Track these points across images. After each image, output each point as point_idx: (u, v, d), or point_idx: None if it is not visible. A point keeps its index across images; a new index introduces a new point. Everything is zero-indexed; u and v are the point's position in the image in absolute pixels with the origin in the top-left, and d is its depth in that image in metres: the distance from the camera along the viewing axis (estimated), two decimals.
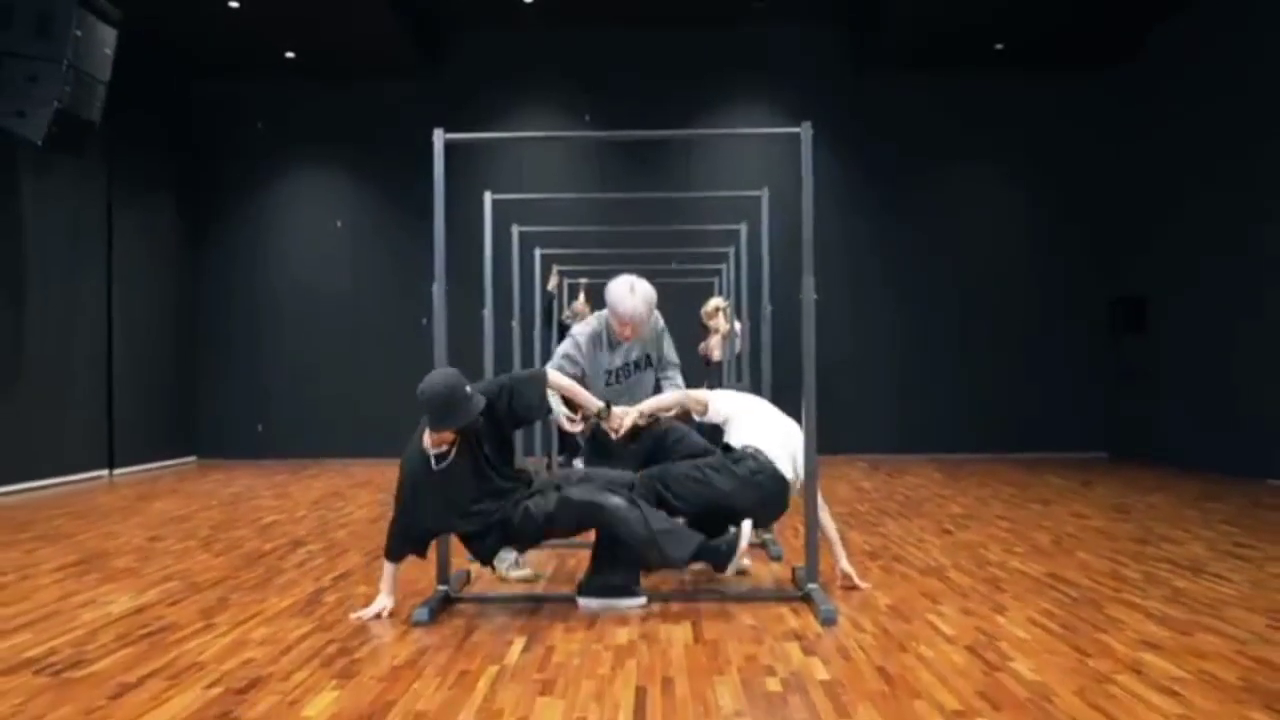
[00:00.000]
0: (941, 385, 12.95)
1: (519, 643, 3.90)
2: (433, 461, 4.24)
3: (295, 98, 13.36)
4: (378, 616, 4.33)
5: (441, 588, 4.59)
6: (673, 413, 5.08)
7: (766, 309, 6.34)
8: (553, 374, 4.67)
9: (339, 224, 13.45)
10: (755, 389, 7.32)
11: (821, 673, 3.47)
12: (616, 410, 4.70)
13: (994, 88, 12.98)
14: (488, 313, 6.25)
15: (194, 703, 3.19)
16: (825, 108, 12.41)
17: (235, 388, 13.32)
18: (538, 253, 9.00)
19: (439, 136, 4.83)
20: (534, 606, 4.50)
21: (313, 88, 13.31)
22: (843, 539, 5.22)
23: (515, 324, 7.71)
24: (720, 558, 4.44)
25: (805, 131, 4.72)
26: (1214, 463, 10.37)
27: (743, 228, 7.51)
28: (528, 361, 9.59)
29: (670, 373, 5.44)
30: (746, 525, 4.45)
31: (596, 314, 5.33)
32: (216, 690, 3.31)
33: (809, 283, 4.63)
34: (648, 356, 5.36)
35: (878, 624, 4.16)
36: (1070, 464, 11.66)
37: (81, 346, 10.91)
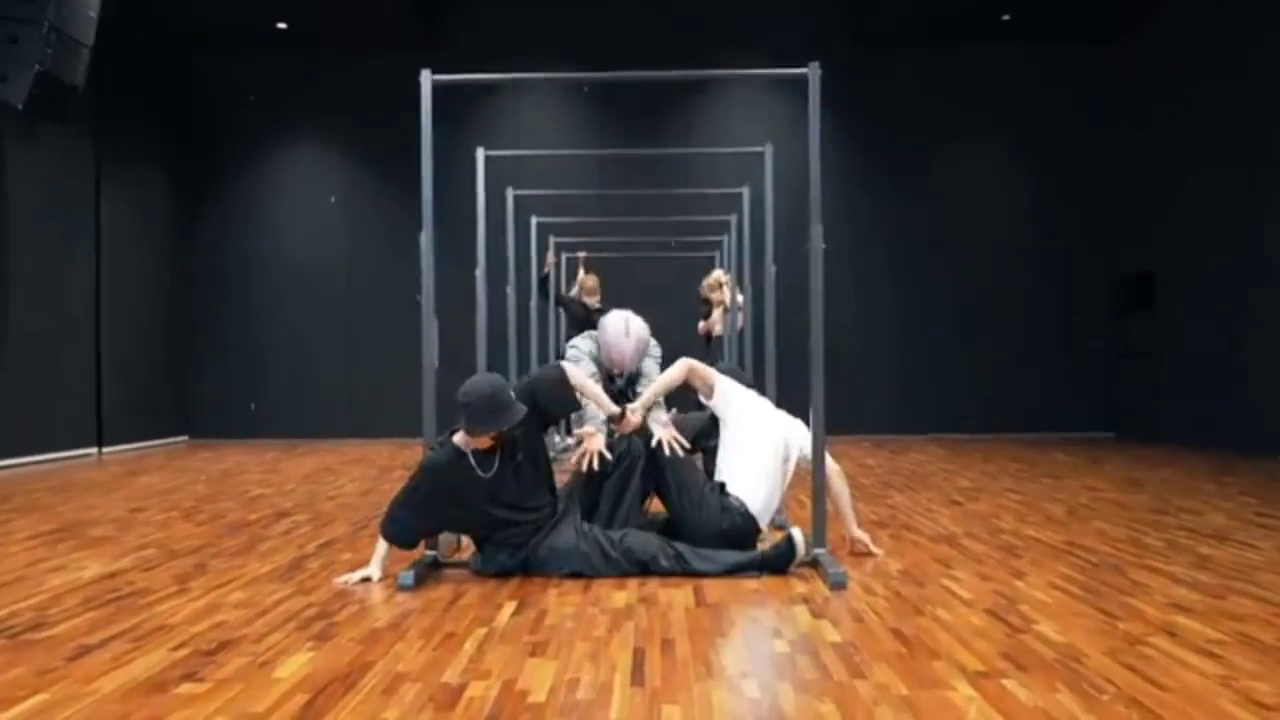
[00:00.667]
0: (942, 365, 12.73)
1: (509, 606, 3.68)
2: (474, 464, 4.05)
3: (289, 70, 13.11)
4: (364, 581, 4.10)
5: (430, 553, 4.36)
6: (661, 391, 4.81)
7: (770, 270, 6.10)
8: (571, 370, 4.44)
9: (333, 199, 13.20)
10: (758, 361, 7.10)
11: (832, 634, 3.24)
12: (630, 411, 4.47)
13: (996, 62, 12.74)
14: (480, 273, 6.02)
15: (158, 664, 2.96)
16: (824, 83, 12.13)
17: (228, 366, 13.09)
18: (533, 220, 8.76)
19: (426, 79, 4.59)
20: (526, 574, 4.27)
21: (307, 60, 13.05)
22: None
23: (510, 289, 7.50)
24: (776, 564, 4.19)
25: (813, 73, 4.50)
26: (1224, 440, 10.14)
27: (744, 191, 7.29)
28: (522, 330, 9.37)
29: (644, 381, 5.43)
30: (798, 533, 4.20)
31: (591, 335, 5.50)
32: (183, 652, 3.09)
33: (817, 232, 4.39)
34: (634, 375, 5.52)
35: (890, 588, 3.93)
36: (1075, 443, 11.44)
37: (69, 323, 10.67)
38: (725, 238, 10.27)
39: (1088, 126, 12.71)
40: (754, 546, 4.34)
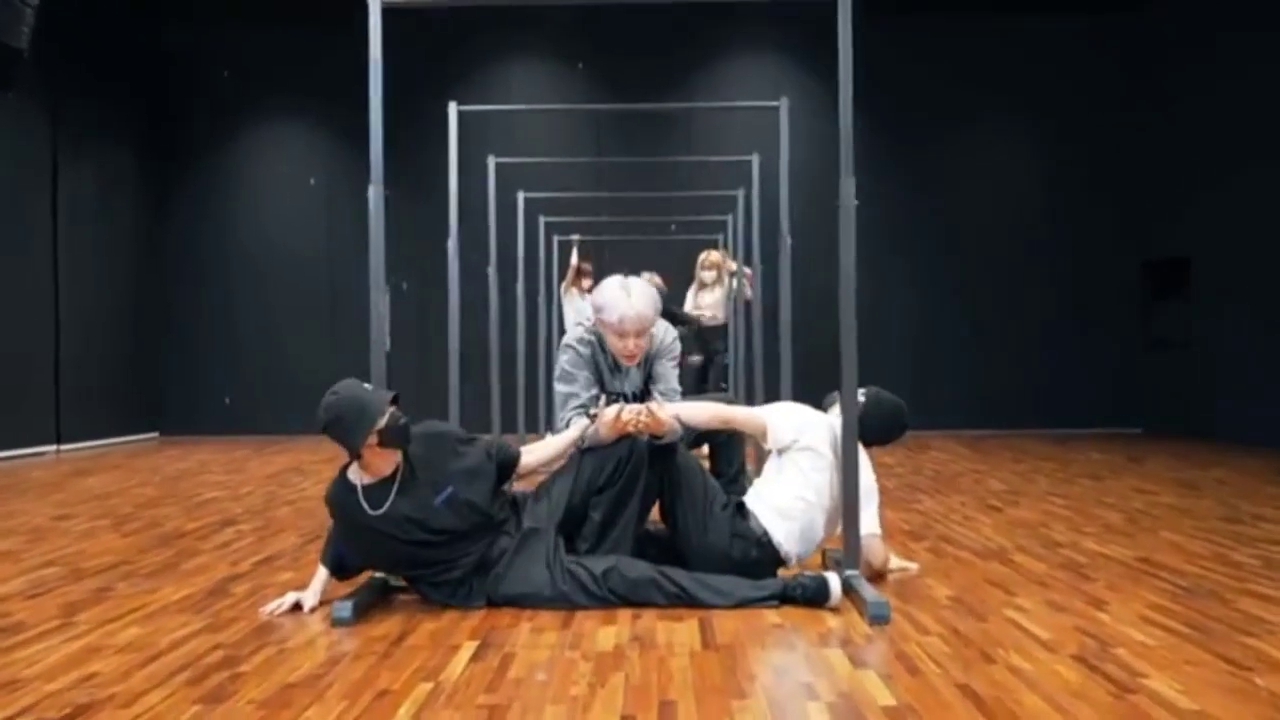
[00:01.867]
0: (959, 357, 11.93)
1: (467, 649, 2.92)
2: (362, 500, 3.28)
3: (266, 45, 12.31)
4: (294, 610, 3.34)
5: (379, 574, 3.59)
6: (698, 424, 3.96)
7: (786, 241, 5.33)
8: (525, 459, 3.65)
9: (312, 181, 12.42)
10: (770, 345, 6.34)
11: (883, 693, 2.48)
12: (605, 414, 3.58)
13: (1013, 34, 11.93)
14: (452, 244, 5.32)
15: None
16: (829, 57, 11.37)
17: (201, 358, 12.30)
18: (520, 195, 7.99)
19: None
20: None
21: (285, 34, 12.26)
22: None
23: (491, 270, 6.76)
24: (796, 602, 3.37)
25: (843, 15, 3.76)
26: (1269, 437, 9.36)
27: (754, 158, 6.57)
28: (531, 322, 8.58)
29: (662, 388, 4.06)
30: (834, 580, 3.36)
31: (584, 327, 4.10)
32: None
33: (849, 187, 3.63)
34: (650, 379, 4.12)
35: (943, 622, 3.16)
36: (1104, 439, 10.66)
37: (23, 312, 9.89)
38: (730, 216, 9.53)
39: (1118, 98, 11.89)
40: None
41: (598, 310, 3.87)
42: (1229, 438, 9.97)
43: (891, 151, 11.79)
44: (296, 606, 3.35)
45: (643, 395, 4.03)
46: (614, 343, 3.91)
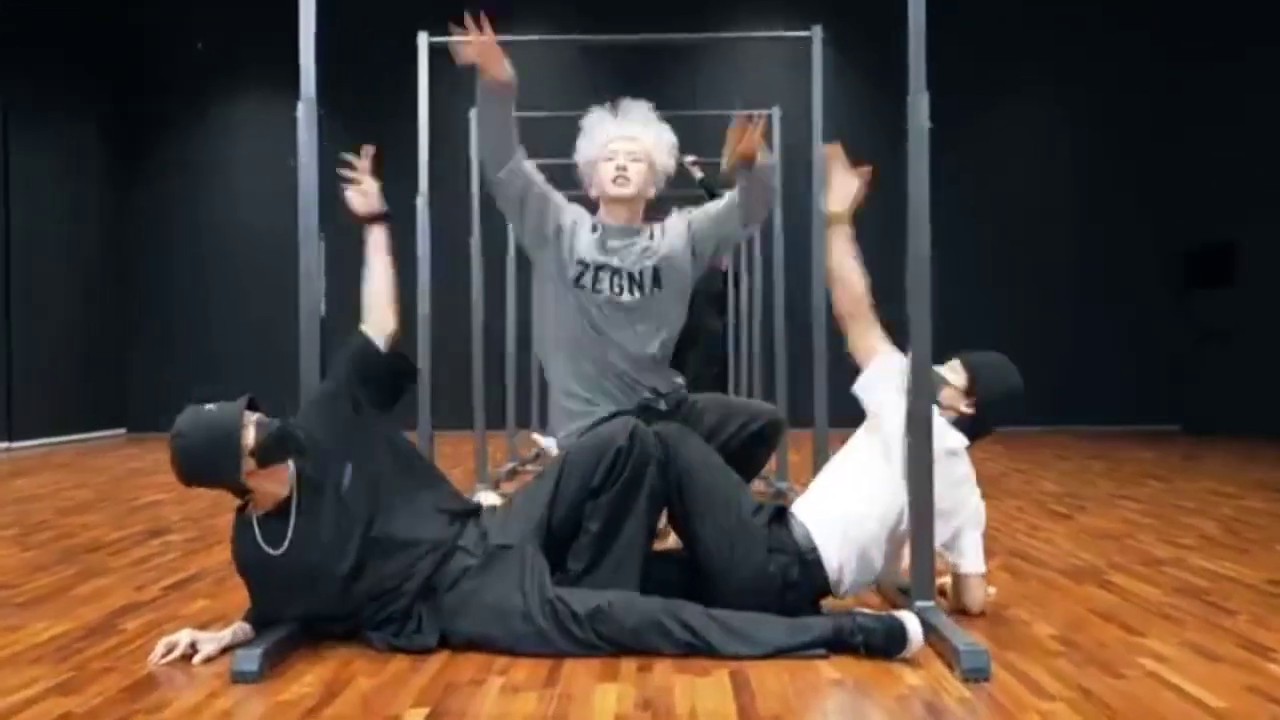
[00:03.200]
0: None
1: (411, 718, 2.09)
2: (259, 538, 2.53)
3: (241, 14, 11.47)
4: (190, 655, 2.51)
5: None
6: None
7: (820, 201, 4.48)
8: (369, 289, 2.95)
9: (291, 161, 11.53)
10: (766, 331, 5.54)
11: None
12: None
13: (1042, 10, 11.09)
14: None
15: None
16: (841, 13, 10.55)
17: (171, 349, 11.46)
18: None
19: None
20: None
21: (262, 3, 11.41)
22: None
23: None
24: (857, 648, 2.49)
25: None
26: None
27: (776, 110, 5.76)
28: (523, 300, 7.71)
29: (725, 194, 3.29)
30: (913, 623, 2.49)
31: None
32: None
33: (921, 105, 2.80)
34: (665, 267, 3.22)
35: (1063, 678, 2.33)
36: (1143, 438, 9.82)
37: None
38: None
39: (1155, 68, 11.03)
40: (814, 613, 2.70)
41: (580, 148, 3.25)
42: (1273, 434, 9.10)
43: (901, 133, 10.94)
44: (190, 654, 2.52)
45: (643, 282, 3.21)
46: (601, 172, 3.19)
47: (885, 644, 2.45)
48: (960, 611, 2.89)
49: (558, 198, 3.24)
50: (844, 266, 2.94)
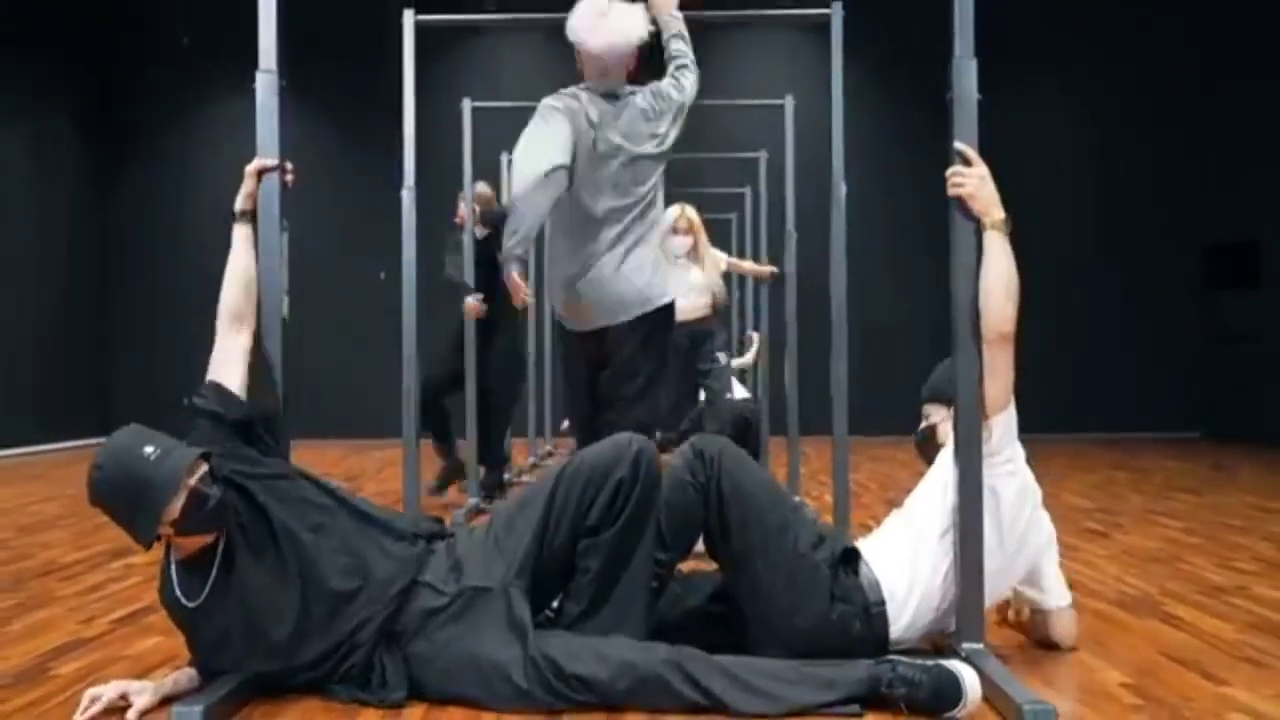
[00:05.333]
0: None
1: None
2: (177, 590, 2.22)
3: (226, 9, 11.10)
4: (123, 708, 2.15)
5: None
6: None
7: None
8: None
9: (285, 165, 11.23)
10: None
11: None
12: None
13: (1060, 4, 10.75)
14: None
15: None
16: (851, 23, 10.19)
17: (158, 355, 11.05)
18: (504, 159, 6.80)
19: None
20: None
21: None
22: None
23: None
24: (916, 699, 2.10)
25: None
26: None
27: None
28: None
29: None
30: (968, 675, 2.12)
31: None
32: None
33: (969, 71, 2.46)
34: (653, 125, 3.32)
35: None
36: (1163, 445, 9.47)
37: None
38: (734, 215, 8.43)
39: (1170, 69, 10.69)
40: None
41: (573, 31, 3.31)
42: None
43: (919, 118, 10.58)
44: (122, 707, 2.16)
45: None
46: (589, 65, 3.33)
47: (933, 701, 2.07)
48: (1046, 645, 2.58)
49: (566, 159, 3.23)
50: (988, 273, 2.46)
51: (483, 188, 5.73)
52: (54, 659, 2.64)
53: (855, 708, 2.10)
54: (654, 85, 3.39)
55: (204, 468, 2.16)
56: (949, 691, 2.07)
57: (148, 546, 2.18)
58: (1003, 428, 2.39)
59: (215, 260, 10.19)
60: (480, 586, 2.23)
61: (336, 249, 10.76)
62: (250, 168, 2.63)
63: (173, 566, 2.20)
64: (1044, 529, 2.54)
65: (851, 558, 2.39)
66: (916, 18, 10.23)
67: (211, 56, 11.12)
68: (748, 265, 6.86)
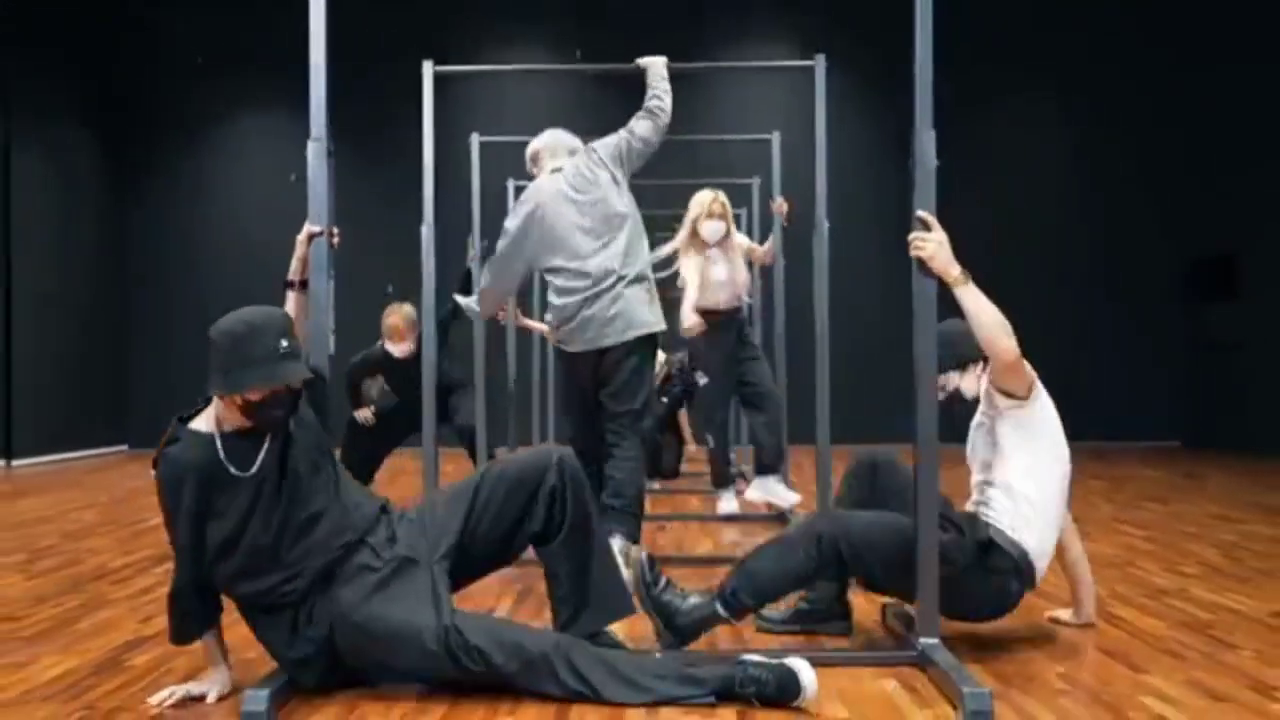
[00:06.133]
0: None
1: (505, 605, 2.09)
2: (221, 453, 2.51)
3: (242, 27, 11.51)
4: (191, 703, 2.52)
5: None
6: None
7: (823, 226, 4.49)
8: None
9: (294, 177, 11.58)
10: (800, 350, 5.55)
11: None
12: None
13: (1046, 18, 11.12)
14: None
15: None
16: (842, 34, 10.58)
17: (172, 363, 11.41)
18: (511, 185, 7.17)
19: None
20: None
21: (262, 13, 11.45)
22: None
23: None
24: (764, 695, 2.45)
25: None
26: None
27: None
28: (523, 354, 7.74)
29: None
30: (804, 671, 2.45)
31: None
32: None
33: (927, 143, 2.82)
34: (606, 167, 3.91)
35: None
36: (1145, 454, 9.85)
37: None
38: (744, 211, 8.78)
39: (1156, 84, 11.06)
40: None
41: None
42: (1274, 451, 9.11)
43: (909, 136, 10.97)
44: (189, 699, 2.53)
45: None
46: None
47: (778, 694, 2.42)
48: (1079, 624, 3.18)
49: (524, 245, 3.95)
50: (979, 325, 2.90)
51: (408, 310, 5.76)
52: (125, 652, 3.01)
53: (711, 699, 2.44)
54: (594, 144, 3.95)
55: (301, 387, 2.54)
56: (790, 686, 2.42)
57: (220, 395, 2.48)
58: (1025, 366, 2.91)
59: (228, 272, 10.68)
60: (410, 558, 2.59)
61: (351, 253, 11.10)
62: (301, 236, 2.89)
63: (219, 440, 2.51)
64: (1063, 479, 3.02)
65: (993, 543, 2.83)
66: (906, 48, 10.59)
67: (223, 76, 11.53)
68: (760, 251, 6.13)
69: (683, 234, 5.49)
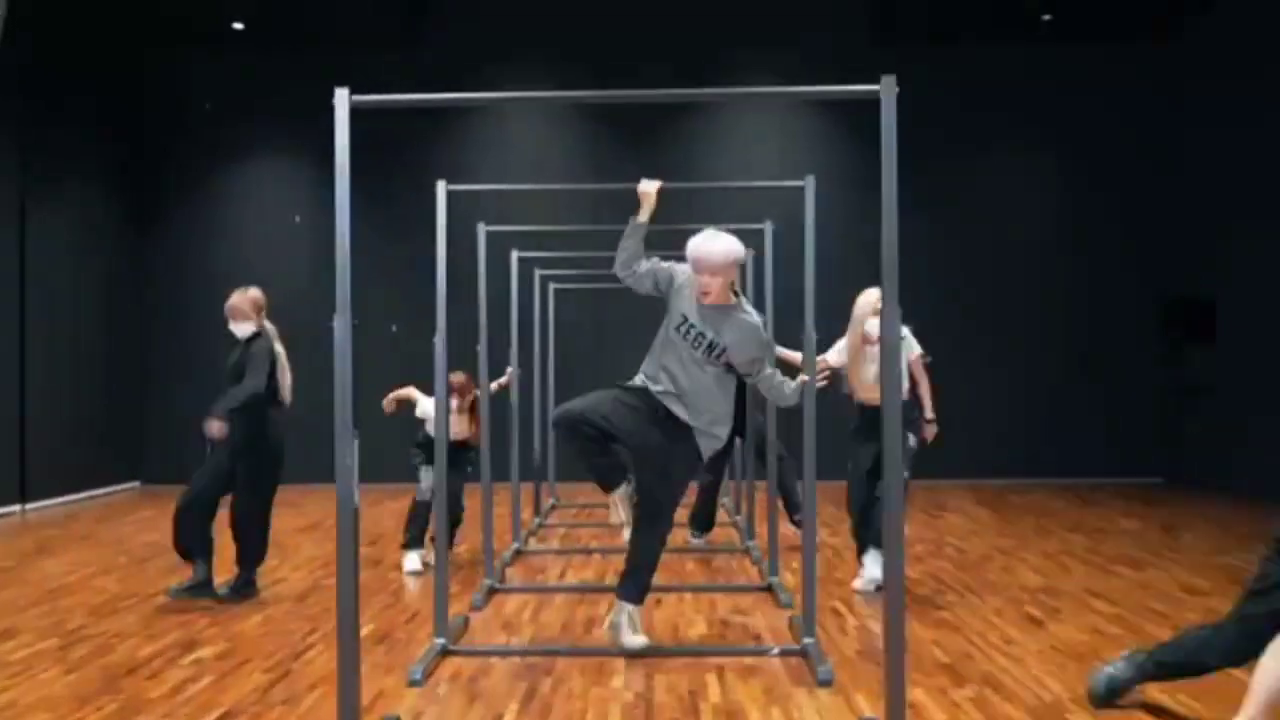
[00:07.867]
0: (975, 402, 11.33)
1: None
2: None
3: (249, 74, 11.79)
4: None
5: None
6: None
7: (811, 335, 4.77)
8: None
9: (297, 219, 11.90)
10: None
11: None
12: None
13: (1031, 63, 11.43)
14: (439, 340, 4.76)
15: None
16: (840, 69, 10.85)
17: (185, 404, 11.64)
18: (514, 254, 7.45)
19: (342, 100, 3.31)
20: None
21: (269, 62, 11.74)
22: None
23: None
24: None
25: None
26: None
27: (767, 226, 6.09)
28: (525, 411, 8.08)
29: (769, 370, 4.56)
30: None
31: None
32: None
33: (892, 254, 3.11)
34: (723, 349, 4.48)
35: None
36: (1125, 492, 10.22)
37: None
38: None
39: (1141, 131, 11.37)
40: None
41: (691, 253, 4.45)
42: (1259, 494, 9.42)
43: (904, 182, 11.27)
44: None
45: (692, 330, 4.48)
46: (697, 280, 4.47)
47: None
48: None
49: (667, 267, 4.57)
50: None
51: (255, 292, 6.41)
52: None
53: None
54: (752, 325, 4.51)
55: None
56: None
57: None
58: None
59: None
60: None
61: (354, 292, 11.39)
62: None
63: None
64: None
65: None
66: (902, 62, 10.87)
67: (231, 121, 11.82)
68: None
69: (851, 336, 5.72)
